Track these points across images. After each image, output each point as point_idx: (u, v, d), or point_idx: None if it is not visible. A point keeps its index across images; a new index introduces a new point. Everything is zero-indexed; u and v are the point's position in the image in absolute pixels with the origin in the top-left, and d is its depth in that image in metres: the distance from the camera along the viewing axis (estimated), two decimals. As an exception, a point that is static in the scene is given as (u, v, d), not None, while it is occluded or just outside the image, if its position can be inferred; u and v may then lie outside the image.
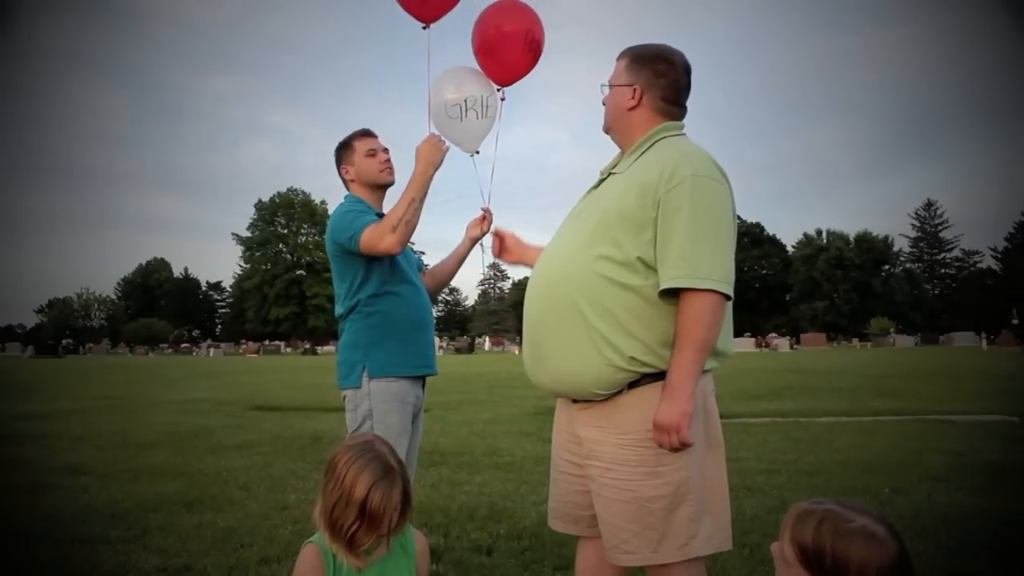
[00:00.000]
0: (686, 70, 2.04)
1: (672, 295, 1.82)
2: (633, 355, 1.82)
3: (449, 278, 3.04)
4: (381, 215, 2.75)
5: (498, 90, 2.88)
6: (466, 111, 2.76)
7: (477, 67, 2.87)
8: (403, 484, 1.67)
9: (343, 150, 2.84)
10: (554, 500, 2.13)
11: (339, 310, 2.73)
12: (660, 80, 2.00)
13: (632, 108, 2.02)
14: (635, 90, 2.01)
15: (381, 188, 2.84)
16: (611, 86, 2.09)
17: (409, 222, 2.53)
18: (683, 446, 1.77)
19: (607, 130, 2.13)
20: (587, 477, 1.95)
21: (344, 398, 2.67)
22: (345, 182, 2.86)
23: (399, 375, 2.62)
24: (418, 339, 2.71)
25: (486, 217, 2.89)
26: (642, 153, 1.98)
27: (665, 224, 1.82)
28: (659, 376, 1.84)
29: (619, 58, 2.10)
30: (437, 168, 2.60)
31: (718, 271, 1.80)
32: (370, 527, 1.62)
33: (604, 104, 2.12)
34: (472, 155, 2.84)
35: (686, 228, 1.80)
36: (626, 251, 1.84)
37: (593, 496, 1.94)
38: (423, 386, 2.76)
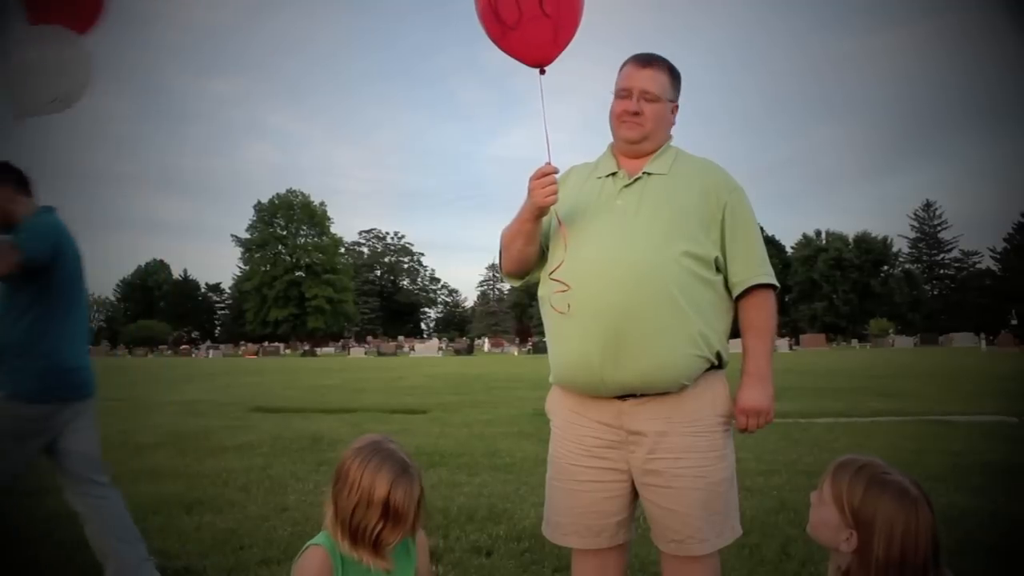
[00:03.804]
0: None
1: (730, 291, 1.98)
2: (718, 348, 1.93)
3: None
4: None
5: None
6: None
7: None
8: (419, 478, 1.65)
9: None
10: (568, 515, 1.99)
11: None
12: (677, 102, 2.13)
13: (672, 124, 2.09)
14: (675, 107, 2.09)
15: None
16: (661, 99, 2.00)
17: None
18: (766, 424, 1.95)
19: (644, 139, 2.01)
20: (647, 473, 1.91)
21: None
22: None
23: None
24: None
25: None
26: (675, 159, 2.03)
27: (735, 226, 1.96)
28: (714, 366, 1.96)
29: (655, 67, 2.01)
30: None
31: (773, 271, 2.00)
32: (395, 525, 1.60)
33: (641, 112, 1.98)
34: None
35: (753, 232, 1.99)
36: (705, 248, 1.93)
37: (657, 493, 1.91)
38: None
